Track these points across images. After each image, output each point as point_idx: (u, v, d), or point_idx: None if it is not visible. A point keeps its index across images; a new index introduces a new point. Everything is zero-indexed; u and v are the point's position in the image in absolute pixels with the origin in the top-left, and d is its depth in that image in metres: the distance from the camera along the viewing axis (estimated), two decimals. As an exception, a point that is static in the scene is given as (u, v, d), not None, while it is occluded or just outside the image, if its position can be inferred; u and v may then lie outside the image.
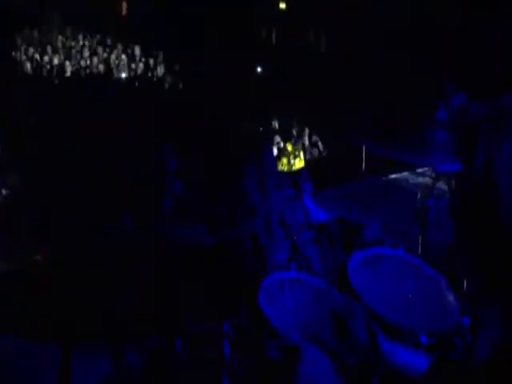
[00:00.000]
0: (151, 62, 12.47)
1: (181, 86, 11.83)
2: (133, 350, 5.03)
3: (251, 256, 6.04)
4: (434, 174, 7.70)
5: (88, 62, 12.37)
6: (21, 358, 5.16)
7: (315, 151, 10.91)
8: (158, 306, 5.54)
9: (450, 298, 2.94)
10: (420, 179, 9.28)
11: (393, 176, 9.86)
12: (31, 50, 12.55)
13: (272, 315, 3.17)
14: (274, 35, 11.68)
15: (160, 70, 12.51)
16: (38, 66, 12.21)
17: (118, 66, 12.43)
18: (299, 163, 10.05)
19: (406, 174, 9.85)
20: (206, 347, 4.83)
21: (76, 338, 5.33)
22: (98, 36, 13.33)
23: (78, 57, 12.66)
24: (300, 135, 10.83)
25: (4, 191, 7.26)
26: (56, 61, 12.24)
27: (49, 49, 12.64)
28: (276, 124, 11.03)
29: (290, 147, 10.00)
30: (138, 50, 12.55)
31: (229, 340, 4.24)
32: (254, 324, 3.75)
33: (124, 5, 13.74)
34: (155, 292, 5.71)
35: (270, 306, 3.26)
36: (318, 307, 3.18)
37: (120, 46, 12.80)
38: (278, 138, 10.43)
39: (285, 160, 9.79)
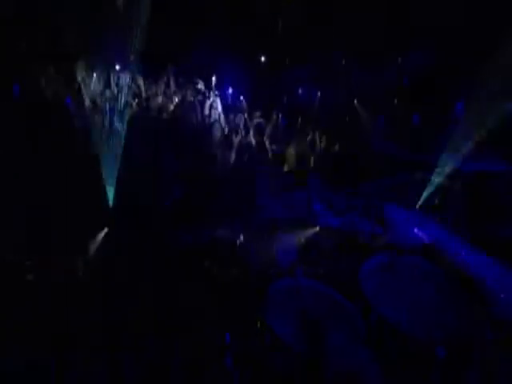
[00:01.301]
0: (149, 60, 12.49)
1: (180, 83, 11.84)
2: (130, 362, 5.01)
3: (256, 259, 6.02)
4: (451, 174, 7.69)
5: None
6: (17, 368, 5.15)
7: (328, 152, 10.87)
8: (157, 313, 5.52)
9: (465, 308, 2.92)
10: (437, 179, 9.25)
11: (409, 176, 9.81)
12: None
13: (278, 325, 3.16)
14: (279, 24, 11.66)
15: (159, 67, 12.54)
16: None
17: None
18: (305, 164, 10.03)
19: (422, 173, 9.80)
20: (207, 357, 4.79)
21: (72, 348, 5.31)
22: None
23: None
24: (309, 136, 10.79)
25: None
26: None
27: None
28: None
29: (291, 149, 9.97)
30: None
31: (231, 350, 4.20)
32: (258, 334, 3.71)
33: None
34: (154, 298, 5.69)
35: (276, 314, 3.24)
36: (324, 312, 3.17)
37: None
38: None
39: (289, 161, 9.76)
